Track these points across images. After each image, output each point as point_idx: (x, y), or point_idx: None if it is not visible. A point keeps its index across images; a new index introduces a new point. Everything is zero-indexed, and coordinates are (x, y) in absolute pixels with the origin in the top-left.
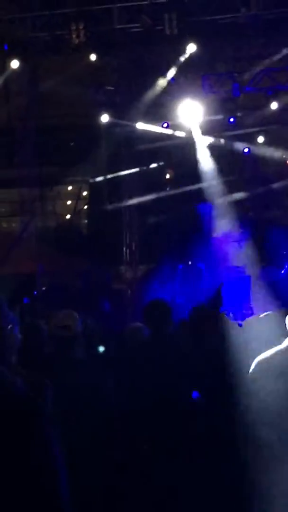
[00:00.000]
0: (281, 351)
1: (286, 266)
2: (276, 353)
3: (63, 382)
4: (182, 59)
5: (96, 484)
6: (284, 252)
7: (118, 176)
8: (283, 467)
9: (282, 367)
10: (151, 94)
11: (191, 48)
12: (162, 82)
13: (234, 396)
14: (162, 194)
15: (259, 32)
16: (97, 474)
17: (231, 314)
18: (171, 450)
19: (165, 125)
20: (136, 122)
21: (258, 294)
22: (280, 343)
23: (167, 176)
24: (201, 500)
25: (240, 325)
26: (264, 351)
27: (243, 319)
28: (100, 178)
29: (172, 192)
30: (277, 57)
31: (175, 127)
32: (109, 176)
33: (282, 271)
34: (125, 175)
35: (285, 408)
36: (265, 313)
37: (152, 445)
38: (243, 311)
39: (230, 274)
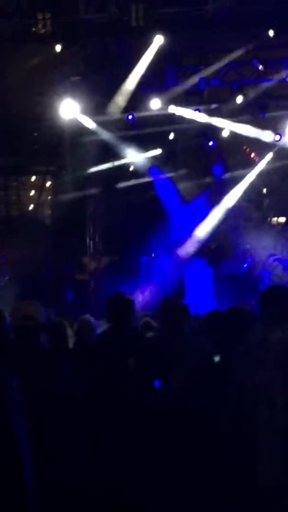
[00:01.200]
0: (257, 343)
1: (249, 259)
2: (252, 347)
3: (28, 373)
4: (148, 50)
5: (60, 472)
6: (248, 246)
7: (82, 168)
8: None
9: (260, 360)
10: (116, 85)
11: (158, 40)
12: (127, 74)
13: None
14: (125, 185)
15: (225, 26)
16: (62, 461)
17: (194, 307)
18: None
19: (130, 116)
20: (102, 113)
21: (219, 287)
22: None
23: (131, 168)
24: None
25: (201, 317)
26: (227, 343)
27: (204, 311)
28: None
29: (135, 183)
30: (242, 50)
31: (140, 118)
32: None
33: (245, 265)
34: (89, 167)
35: (262, 399)
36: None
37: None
38: (205, 304)
39: (192, 266)
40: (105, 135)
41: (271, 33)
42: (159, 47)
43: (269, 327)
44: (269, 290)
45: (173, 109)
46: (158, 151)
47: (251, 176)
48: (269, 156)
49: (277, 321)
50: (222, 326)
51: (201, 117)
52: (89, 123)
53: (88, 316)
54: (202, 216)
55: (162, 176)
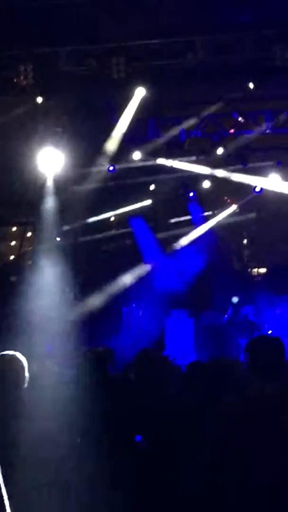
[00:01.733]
0: (254, 396)
1: (229, 311)
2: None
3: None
4: (129, 103)
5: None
6: (228, 296)
7: (63, 219)
8: None
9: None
10: (98, 136)
11: (140, 92)
12: (108, 125)
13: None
14: (107, 235)
15: (205, 78)
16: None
17: (174, 359)
18: None
19: (111, 168)
20: (83, 164)
21: (200, 338)
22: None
23: (112, 218)
24: None
25: (183, 370)
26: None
27: (185, 363)
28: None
29: (116, 233)
30: (223, 102)
31: (121, 170)
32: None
33: (225, 316)
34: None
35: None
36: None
37: None
38: (185, 355)
39: (173, 317)
40: (87, 186)
41: (251, 85)
42: (140, 99)
43: (263, 379)
44: (258, 340)
45: (160, 161)
46: (144, 203)
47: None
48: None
49: (269, 371)
50: (205, 377)
51: (186, 167)
52: (71, 174)
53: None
54: (183, 265)
55: (142, 227)
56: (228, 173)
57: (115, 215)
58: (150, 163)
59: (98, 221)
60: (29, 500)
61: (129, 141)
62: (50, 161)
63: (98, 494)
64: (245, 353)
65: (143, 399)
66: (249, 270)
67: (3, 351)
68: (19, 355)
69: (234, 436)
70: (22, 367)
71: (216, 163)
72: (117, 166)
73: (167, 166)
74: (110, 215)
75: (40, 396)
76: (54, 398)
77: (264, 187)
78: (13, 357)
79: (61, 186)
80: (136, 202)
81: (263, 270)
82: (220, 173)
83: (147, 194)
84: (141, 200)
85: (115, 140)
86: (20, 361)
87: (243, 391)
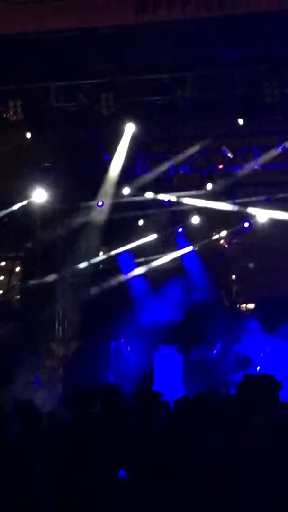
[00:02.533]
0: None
1: (218, 346)
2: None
3: None
4: (118, 138)
5: None
6: (217, 331)
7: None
8: None
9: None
10: (86, 172)
11: (129, 127)
12: (97, 161)
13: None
14: (95, 269)
15: (195, 114)
16: None
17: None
18: None
19: (100, 203)
20: (71, 200)
21: (188, 374)
22: None
23: (101, 253)
24: None
25: (171, 407)
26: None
27: (173, 398)
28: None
29: (104, 268)
30: (212, 138)
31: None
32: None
33: (214, 351)
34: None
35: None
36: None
37: None
38: (174, 390)
39: (161, 353)
40: (76, 221)
41: (240, 121)
42: (130, 135)
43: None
44: (249, 378)
45: (149, 195)
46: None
47: None
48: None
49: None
50: (192, 413)
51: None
52: (59, 210)
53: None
54: (171, 301)
55: (130, 263)
56: (218, 205)
57: (104, 253)
58: (139, 198)
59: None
60: None
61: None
62: (38, 196)
63: None
64: (237, 390)
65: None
66: (238, 305)
67: None
68: None
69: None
70: None
71: (205, 198)
72: (106, 201)
73: (156, 202)
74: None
75: None
76: None
77: (253, 221)
78: None
79: (49, 221)
80: (127, 238)
81: (251, 306)
82: (210, 205)
83: (137, 230)
84: (132, 237)
85: (108, 176)
86: None
87: (232, 429)
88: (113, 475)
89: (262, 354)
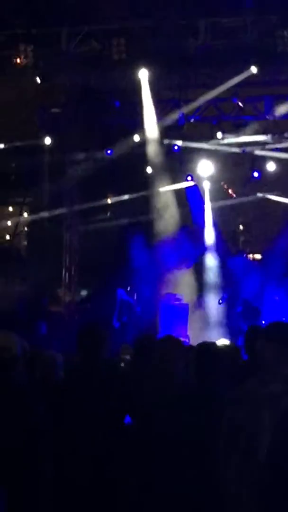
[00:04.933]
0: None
1: (224, 295)
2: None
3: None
4: (129, 84)
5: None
6: (223, 281)
7: (60, 200)
8: None
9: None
10: (96, 118)
11: (142, 74)
12: (107, 107)
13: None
14: (102, 217)
15: (206, 62)
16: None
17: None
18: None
19: (109, 151)
20: (80, 146)
21: (195, 322)
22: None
23: (108, 201)
24: None
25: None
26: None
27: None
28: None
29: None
30: (223, 87)
31: (119, 154)
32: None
33: (220, 301)
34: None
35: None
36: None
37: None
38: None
39: (168, 301)
40: (84, 168)
41: (254, 69)
42: (143, 81)
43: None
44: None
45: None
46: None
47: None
48: None
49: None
50: (194, 362)
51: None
52: (69, 156)
53: (52, 352)
54: (180, 250)
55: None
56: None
57: (111, 199)
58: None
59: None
60: None
61: (126, 124)
62: (48, 141)
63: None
64: (244, 340)
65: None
66: (245, 255)
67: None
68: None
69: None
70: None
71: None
72: (115, 149)
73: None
74: (107, 200)
75: None
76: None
77: (263, 171)
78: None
79: (58, 167)
80: (133, 187)
81: (258, 256)
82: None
83: (144, 178)
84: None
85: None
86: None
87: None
88: (119, 421)
89: (277, 298)
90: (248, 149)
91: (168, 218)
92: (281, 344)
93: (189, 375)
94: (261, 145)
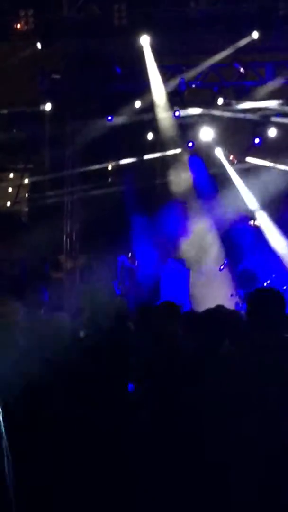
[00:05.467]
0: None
1: (225, 262)
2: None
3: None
4: (130, 50)
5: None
6: (224, 248)
7: (61, 166)
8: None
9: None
10: (97, 84)
11: (144, 39)
12: (109, 73)
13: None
14: (104, 183)
15: (207, 28)
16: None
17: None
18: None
19: (109, 118)
20: (80, 113)
21: (196, 288)
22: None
23: (109, 167)
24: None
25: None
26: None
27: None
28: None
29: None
30: (224, 53)
31: (120, 120)
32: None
33: (221, 266)
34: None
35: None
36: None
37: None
38: (182, 305)
39: (169, 267)
40: (85, 134)
41: (255, 35)
42: (141, 47)
43: (259, 331)
44: (260, 292)
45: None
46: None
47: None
48: None
49: (270, 325)
50: (202, 327)
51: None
52: (70, 122)
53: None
54: (180, 218)
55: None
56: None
57: (113, 165)
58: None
59: (95, 170)
60: None
61: (127, 89)
62: (48, 107)
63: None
64: (246, 305)
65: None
66: (247, 222)
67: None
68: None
69: (231, 387)
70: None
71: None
72: (116, 116)
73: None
74: (107, 164)
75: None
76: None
77: (264, 137)
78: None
79: (59, 134)
80: (135, 152)
81: (258, 223)
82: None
83: (146, 144)
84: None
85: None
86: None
87: (241, 342)
88: (122, 388)
89: (271, 270)
90: (250, 115)
91: (180, 181)
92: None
93: (190, 338)
94: (264, 111)
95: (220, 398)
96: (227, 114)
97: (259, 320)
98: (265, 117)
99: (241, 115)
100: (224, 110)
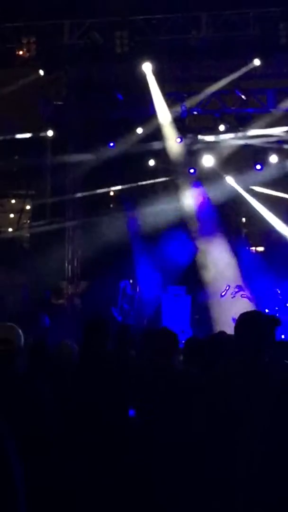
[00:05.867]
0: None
1: (227, 288)
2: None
3: (3, 398)
4: (131, 78)
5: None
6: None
7: (62, 193)
8: None
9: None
10: (99, 111)
11: (147, 67)
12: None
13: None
14: (105, 210)
15: (209, 55)
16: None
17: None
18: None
19: (111, 144)
20: (82, 139)
21: (196, 315)
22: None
23: (111, 193)
24: None
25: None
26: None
27: (182, 339)
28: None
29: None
30: (226, 80)
31: (121, 146)
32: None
33: (223, 293)
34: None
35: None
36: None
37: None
38: (182, 331)
39: (170, 294)
40: (87, 161)
41: (256, 62)
42: (143, 74)
43: (242, 354)
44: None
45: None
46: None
47: None
48: None
49: (250, 347)
50: (203, 353)
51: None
52: (71, 148)
53: (67, 341)
54: (180, 244)
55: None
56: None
57: (114, 191)
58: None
59: (96, 195)
60: None
61: (130, 116)
62: (50, 133)
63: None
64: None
65: (143, 374)
66: (248, 248)
67: None
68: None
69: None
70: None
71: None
72: (117, 142)
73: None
74: (108, 189)
75: None
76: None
77: (266, 163)
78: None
79: (60, 160)
80: (137, 178)
81: (261, 249)
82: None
83: (147, 170)
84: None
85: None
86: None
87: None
88: (123, 413)
89: (273, 297)
90: (251, 141)
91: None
92: None
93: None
94: (266, 137)
95: (224, 422)
96: (229, 140)
97: (242, 344)
98: (266, 144)
99: (242, 142)
100: (225, 137)
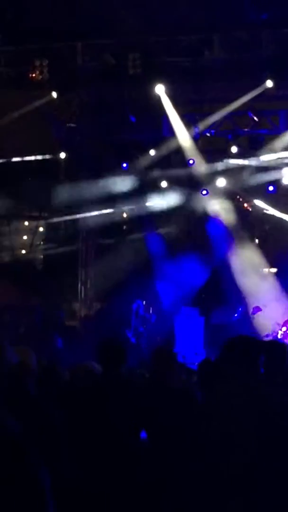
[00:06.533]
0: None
1: (240, 309)
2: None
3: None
4: (145, 99)
5: None
6: (240, 295)
7: (75, 214)
8: None
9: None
10: (112, 133)
11: (159, 88)
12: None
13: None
14: (118, 231)
15: (221, 76)
16: None
17: (183, 356)
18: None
19: (124, 165)
20: (95, 160)
21: (210, 336)
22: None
23: (124, 215)
24: None
25: (194, 369)
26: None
27: (196, 361)
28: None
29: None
30: (238, 102)
31: (134, 170)
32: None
33: (235, 314)
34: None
35: None
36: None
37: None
38: (196, 353)
39: (183, 315)
40: (101, 182)
41: (269, 83)
42: (155, 96)
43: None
44: (232, 340)
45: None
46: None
47: None
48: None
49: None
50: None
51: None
52: (84, 170)
53: (87, 363)
54: (192, 268)
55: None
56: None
57: (127, 212)
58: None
59: (110, 216)
60: None
61: (143, 138)
62: (64, 155)
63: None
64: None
65: (156, 395)
66: (261, 269)
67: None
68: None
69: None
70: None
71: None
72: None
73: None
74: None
75: None
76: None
77: (278, 185)
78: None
79: (74, 181)
80: (149, 200)
81: (274, 270)
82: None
83: (160, 192)
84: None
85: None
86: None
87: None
88: (135, 436)
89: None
90: (264, 163)
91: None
92: None
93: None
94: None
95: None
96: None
97: (228, 367)
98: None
99: (255, 163)
100: (238, 158)
